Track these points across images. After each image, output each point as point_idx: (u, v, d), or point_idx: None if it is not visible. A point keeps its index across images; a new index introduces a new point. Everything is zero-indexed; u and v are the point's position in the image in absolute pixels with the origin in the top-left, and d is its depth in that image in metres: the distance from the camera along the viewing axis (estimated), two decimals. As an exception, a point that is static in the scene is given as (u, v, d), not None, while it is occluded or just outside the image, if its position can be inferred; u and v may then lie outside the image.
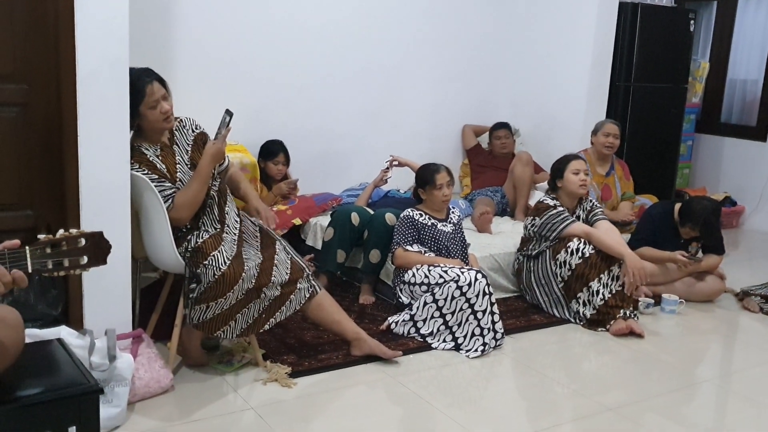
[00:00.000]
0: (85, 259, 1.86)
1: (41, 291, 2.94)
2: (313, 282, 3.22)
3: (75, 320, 2.90)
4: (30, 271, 1.80)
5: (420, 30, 5.44)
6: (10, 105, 2.80)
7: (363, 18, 5.15)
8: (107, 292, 2.90)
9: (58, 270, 1.83)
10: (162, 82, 2.98)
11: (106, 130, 2.79)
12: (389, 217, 4.12)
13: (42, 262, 1.81)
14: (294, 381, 3.10)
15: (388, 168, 4.79)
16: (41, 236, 1.83)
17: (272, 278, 3.01)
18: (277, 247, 3.16)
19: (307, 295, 3.17)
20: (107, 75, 2.76)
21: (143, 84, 2.90)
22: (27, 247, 1.81)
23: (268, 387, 3.05)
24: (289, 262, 3.14)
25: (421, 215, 3.93)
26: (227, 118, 3.04)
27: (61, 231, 1.84)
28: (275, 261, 3.07)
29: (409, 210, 3.96)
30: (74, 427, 2.00)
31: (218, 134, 3.07)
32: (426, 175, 3.95)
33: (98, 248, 1.88)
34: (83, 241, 1.85)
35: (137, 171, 2.92)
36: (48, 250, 1.82)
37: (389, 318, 3.74)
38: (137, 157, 2.96)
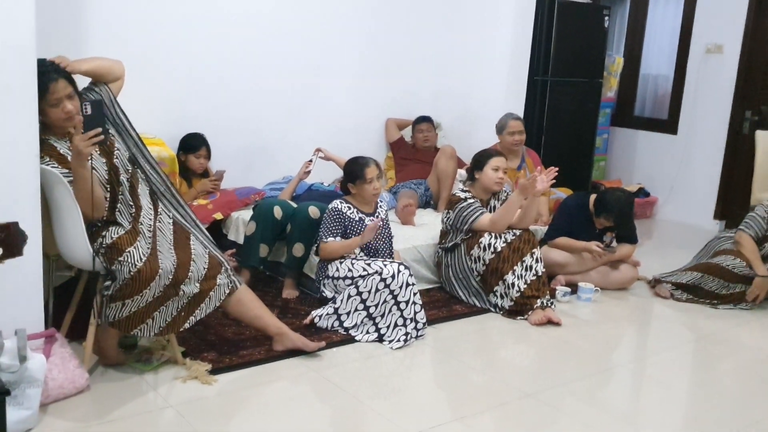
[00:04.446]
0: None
1: (-54, 291, 2.81)
2: (233, 277, 3.16)
3: (-17, 321, 2.78)
4: None
5: (344, 24, 5.42)
6: None
7: (286, 10, 5.10)
8: (18, 290, 2.79)
9: None
10: (70, 81, 2.87)
11: (12, 121, 2.67)
12: (313, 211, 4.10)
13: None
14: (215, 378, 3.05)
15: (311, 160, 4.76)
16: None
17: (189, 273, 2.94)
18: (192, 241, 3.10)
19: (227, 291, 3.12)
20: (12, 64, 2.64)
21: (47, 80, 2.78)
22: None
23: (188, 385, 3.00)
24: (206, 256, 3.08)
25: (349, 208, 3.92)
26: (87, 108, 2.73)
27: None
28: (192, 255, 3.01)
29: (337, 202, 3.94)
30: (-23, 431, 1.94)
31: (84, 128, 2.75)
32: (356, 169, 3.93)
33: (12, 240, 1.81)
34: None
35: (47, 164, 2.82)
36: None
37: (313, 312, 3.72)
38: (47, 150, 2.85)
